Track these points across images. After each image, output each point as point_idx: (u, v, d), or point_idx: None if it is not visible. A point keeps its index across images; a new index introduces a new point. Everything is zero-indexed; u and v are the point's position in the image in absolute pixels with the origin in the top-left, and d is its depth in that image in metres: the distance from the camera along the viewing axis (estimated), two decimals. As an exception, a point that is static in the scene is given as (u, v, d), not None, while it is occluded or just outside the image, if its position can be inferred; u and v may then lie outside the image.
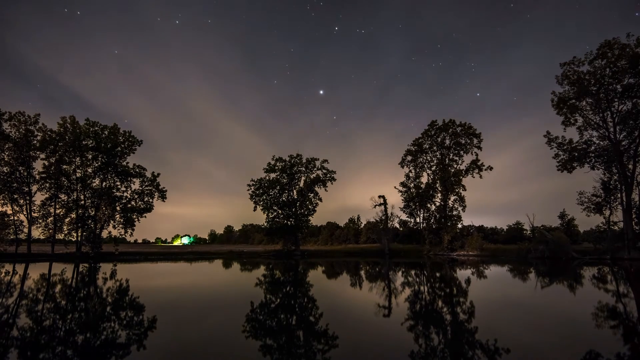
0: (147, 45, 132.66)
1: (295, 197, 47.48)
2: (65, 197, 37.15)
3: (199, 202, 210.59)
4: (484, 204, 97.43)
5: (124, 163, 38.72)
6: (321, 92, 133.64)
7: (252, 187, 47.62)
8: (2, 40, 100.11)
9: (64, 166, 36.41)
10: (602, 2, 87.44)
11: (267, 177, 47.72)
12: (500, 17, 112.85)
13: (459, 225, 46.07)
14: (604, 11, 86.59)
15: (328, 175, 47.30)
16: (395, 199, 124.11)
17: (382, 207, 51.35)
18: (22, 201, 35.51)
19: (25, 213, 35.57)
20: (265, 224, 48.61)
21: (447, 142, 47.15)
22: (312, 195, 47.18)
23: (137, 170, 39.12)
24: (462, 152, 46.55)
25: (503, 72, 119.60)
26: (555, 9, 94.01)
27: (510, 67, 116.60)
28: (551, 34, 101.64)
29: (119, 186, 38.64)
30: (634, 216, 33.69)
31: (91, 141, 37.06)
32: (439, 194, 47.26)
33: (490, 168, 45.50)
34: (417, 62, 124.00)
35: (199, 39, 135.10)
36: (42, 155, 35.82)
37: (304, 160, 47.63)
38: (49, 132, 35.71)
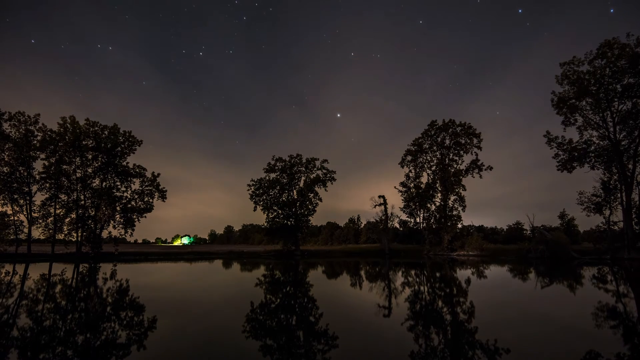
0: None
1: (295, 197, 47.47)
2: (65, 197, 37.14)
3: (199, 202, 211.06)
4: (484, 204, 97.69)
5: (124, 163, 38.73)
6: (339, 115, 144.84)
7: (252, 187, 47.64)
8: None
9: (64, 166, 36.40)
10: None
11: (267, 177, 47.74)
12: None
13: (459, 225, 46.12)
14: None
15: (328, 175, 47.29)
16: (396, 199, 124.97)
17: (382, 207, 51.38)
18: (22, 201, 35.52)
19: (25, 213, 35.59)
20: (265, 224, 48.65)
21: (447, 142, 47.18)
22: (312, 195, 47.18)
23: (137, 170, 39.11)
24: (462, 152, 46.57)
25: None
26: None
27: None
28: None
29: (119, 186, 38.64)
30: (633, 216, 33.71)
31: (91, 141, 37.06)
32: (439, 194, 47.30)
33: (490, 168, 45.56)
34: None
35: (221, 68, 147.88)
36: (42, 156, 35.82)
37: (304, 160, 47.65)
38: (48, 132, 35.71)
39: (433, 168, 48.14)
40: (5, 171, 34.54)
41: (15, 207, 35.30)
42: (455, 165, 46.68)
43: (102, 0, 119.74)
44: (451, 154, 47.10)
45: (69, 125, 36.45)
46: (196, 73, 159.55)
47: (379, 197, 51.57)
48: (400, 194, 50.30)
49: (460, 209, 45.58)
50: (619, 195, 34.80)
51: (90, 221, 37.21)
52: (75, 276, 18.29)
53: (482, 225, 65.83)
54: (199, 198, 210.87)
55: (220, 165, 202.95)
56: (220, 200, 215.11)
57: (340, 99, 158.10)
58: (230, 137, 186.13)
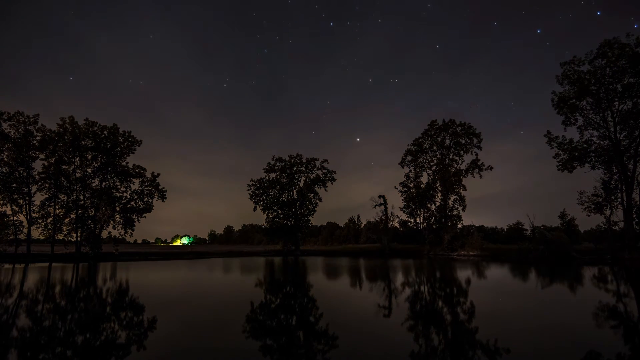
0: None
1: (295, 197, 47.45)
2: (65, 198, 37.10)
3: (198, 202, 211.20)
4: (485, 204, 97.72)
5: (124, 163, 38.69)
6: (358, 139, 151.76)
7: (252, 187, 47.64)
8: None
9: (64, 166, 36.35)
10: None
11: (267, 177, 47.77)
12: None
13: (459, 225, 46.08)
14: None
15: (328, 175, 47.29)
16: (396, 199, 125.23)
17: (382, 207, 51.34)
18: (21, 201, 35.47)
19: (24, 213, 35.55)
20: (265, 224, 48.66)
21: (447, 141, 47.18)
22: (312, 195, 47.16)
23: (137, 170, 39.07)
24: (462, 152, 46.58)
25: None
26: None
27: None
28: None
29: (119, 186, 38.61)
30: (634, 216, 33.67)
31: (90, 141, 37.01)
32: (439, 194, 47.30)
33: (491, 168, 45.58)
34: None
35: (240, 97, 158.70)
36: (42, 156, 35.78)
37: (304, 160, 47.66)
38: (48, 133, 35.66)
39: (433, 168, 48.14)
40: (5, 171, 34.52)
41: (14, 207, 35.28)
42: (455, 165, 46.69)
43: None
44: (451, 154, 47.11)
45: (68, 126, 36.41)
46: (215, 98, 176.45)
47: (379, 197, 51.58)
48: (400, 194, 50.32)
49: (460, 209, 45.62)
50: (619, 195, 34.76)
51: (89, 221, 37.18)
52: (74, 276, 18.25)
53: (482, 225, 65.79)
54: (199, 198, 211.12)
55: (222, 165, 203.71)
56: (220, 200, 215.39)
57: (360, 124, 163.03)
58: (240, 149, 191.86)
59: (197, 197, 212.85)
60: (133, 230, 38.68)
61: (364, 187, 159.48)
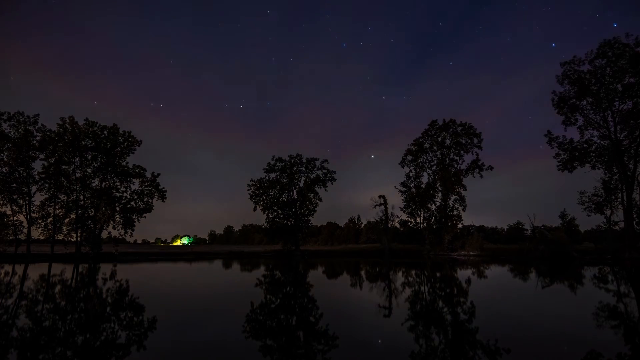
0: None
1: (295, 197, 47.41)
2: (65, 198, 37.06)
3: (199, 202, 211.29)
4: (485, 204, 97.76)
5: (124, 163, 38.67)
6: (372, 156, 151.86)
7: (252, 187, 47.56)
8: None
9: (64, 166, 36.32)
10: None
11: (267, 177, 47.68)
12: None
13: (460, 225, 46.05)
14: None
15: (328, 175, 47.24)
16: (396, 199, 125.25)
17: (382, 207, 51.28)
18: (21, 201, 35.41)
19: (24, 213, 35.47)
20: (265, 224, 48.56)
21: (448, 141, 47.10)
22: (312, 195, 47.12)
23: (137, 170, 39.04)
24: (462, 152, 46.50)
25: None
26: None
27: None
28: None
29: (119, 186, 38.57)
30: (634, 216, 33.65)
31: (90, 141, 36.99)
32: (440, 194, 47.22)
33: (491, 168, 45.49)
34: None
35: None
36: (42, 156, 35.72)
37: (304, 160, 47.60)
38: (48, 133, 35.63)
39: (433, 168, 48.07)
40: (5, 171, 34.46)
41: (14, 208, 35.24)
42: (455, 165, 46.64)
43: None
44: (452, 154, 47.05)
45: (68, 126, 36.37)
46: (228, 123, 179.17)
47: (379, 197, 51.50)
48: (401, 194, 50.25)
49: (460, 209, 45.54)
50: (619, 195, 34.75)
51: (89, 221, 37.15)
52: (74, 277, 18.23)
53: (483, 225, 65.98)
54: (199, 198, 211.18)
55: (221, 165, 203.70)
56: (220, 200, 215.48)
57: (373, 139, 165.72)
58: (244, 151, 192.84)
59: (198, 197, 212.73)
60: (133, 230, 38.63)
61: (366, 187, 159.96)
